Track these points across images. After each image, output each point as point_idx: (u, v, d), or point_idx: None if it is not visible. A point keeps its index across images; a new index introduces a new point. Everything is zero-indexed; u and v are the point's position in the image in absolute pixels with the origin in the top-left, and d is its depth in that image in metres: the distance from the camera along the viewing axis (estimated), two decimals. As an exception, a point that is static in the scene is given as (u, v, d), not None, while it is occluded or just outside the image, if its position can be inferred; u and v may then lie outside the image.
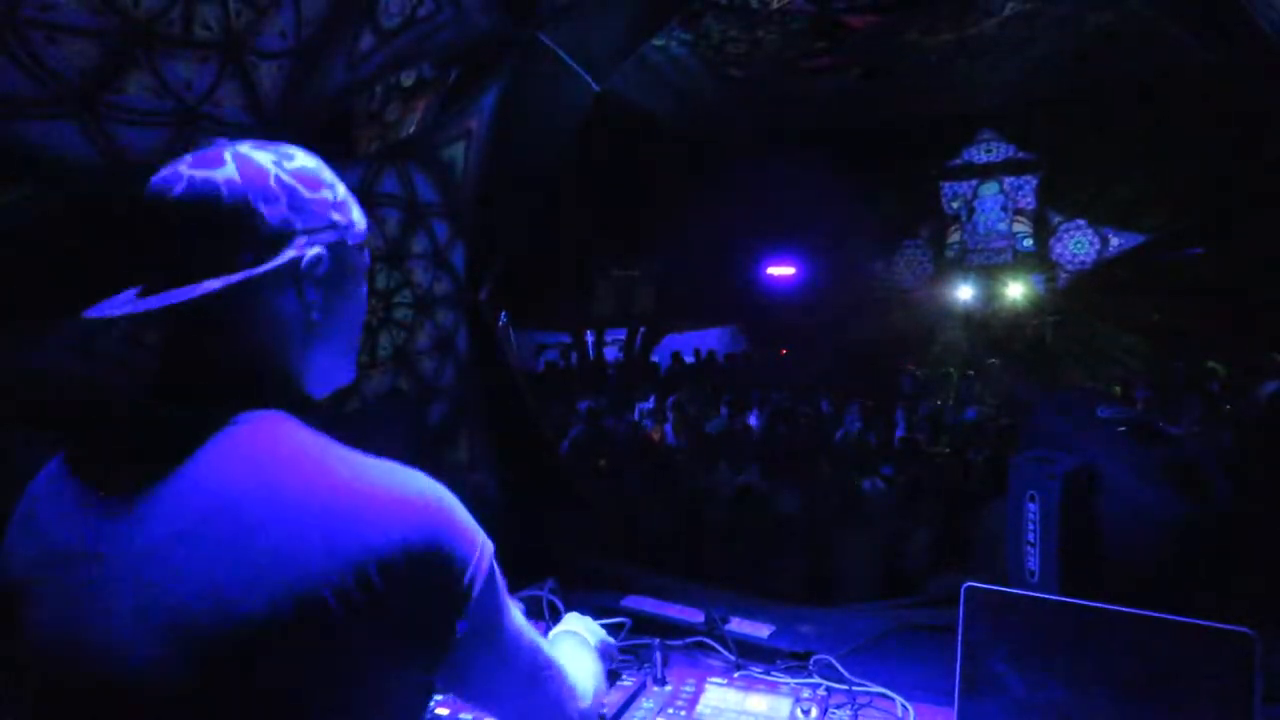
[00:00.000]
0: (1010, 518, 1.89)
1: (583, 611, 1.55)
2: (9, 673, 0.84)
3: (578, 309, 13.55)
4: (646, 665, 1.79)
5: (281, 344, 0.91)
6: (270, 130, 2.16)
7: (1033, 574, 1.82)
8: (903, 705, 1.77)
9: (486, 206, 3.48)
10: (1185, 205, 11.57)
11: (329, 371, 0.99)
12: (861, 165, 13.04)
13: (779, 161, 12.46)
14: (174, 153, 0.91)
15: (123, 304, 0.87)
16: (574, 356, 14.01)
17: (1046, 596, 1.58)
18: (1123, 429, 1.94)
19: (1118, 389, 7.64)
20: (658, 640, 1.79)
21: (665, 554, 3.77)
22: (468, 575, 0.84)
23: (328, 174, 0.96)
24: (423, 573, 0.80)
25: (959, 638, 1.59)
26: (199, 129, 2.05)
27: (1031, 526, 1.82)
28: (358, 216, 0.99)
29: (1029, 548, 1.83)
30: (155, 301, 0.83)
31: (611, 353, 14.86)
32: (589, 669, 1.22)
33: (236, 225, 0.86)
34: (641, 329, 14.93)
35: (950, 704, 1.62)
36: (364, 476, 0.82)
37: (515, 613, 0.97)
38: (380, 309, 3.17)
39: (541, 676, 1.02)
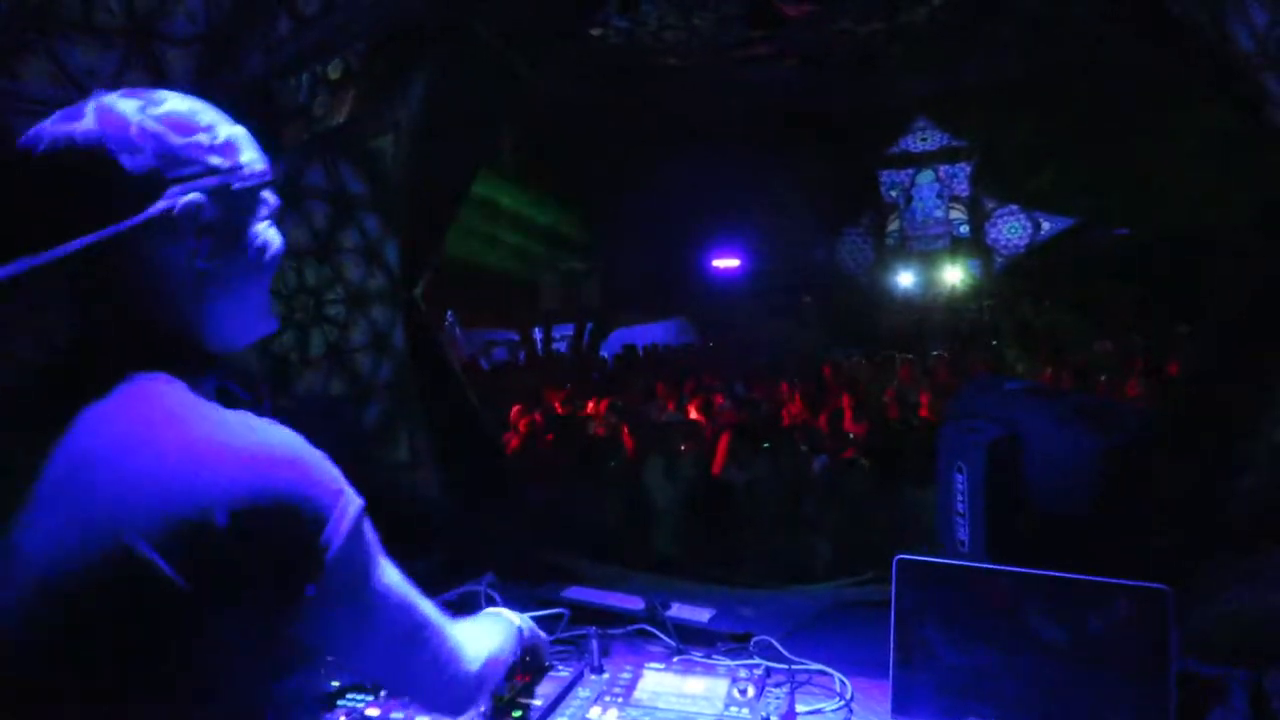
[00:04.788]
0: (940, 489, 1.93)
1: (524, 605, 1.52)
2: None
3: (525, 305, 13.47)
4: (586, 655, 1.77)
5: (169, 299, 0.87)
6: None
7: (963, 544, 1.86)
8: (840, 680, 1.79)
9: (418, 198, 3.41)
10: (1112, 188, 11.96)
11: (234, 322, 0.94)
12: (801, 155, 13.19)
13: (719, 154, 12.51)
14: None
15: None
16: (522, 353, 13.91)
17: (971, 565, 1.62)
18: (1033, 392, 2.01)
19: (1049, 370, 7.84)
20: (594, 629, 1.78)
21: (612, 545, 3.76)
22: (324, 534, 0.79)
23: (207, 116, 0.90)
24: (270, 527, 0.76)
25: (892, 610, 1.61)
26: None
27: (960, 496, 1.86)
28: (249, 157, 0.92)
29: (958, 518, 1.87)
30: (6, 270, 0.78)
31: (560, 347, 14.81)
32: (485, 635, 1.18)
33: (95, 180, 0.81)
34: (589, 324, 14.89)
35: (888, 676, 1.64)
36: (221, 429, 0.79)
37: (390, 572, 0.92)
38: (312, 306, 3.09)
39: (417, 638, 0.97)
